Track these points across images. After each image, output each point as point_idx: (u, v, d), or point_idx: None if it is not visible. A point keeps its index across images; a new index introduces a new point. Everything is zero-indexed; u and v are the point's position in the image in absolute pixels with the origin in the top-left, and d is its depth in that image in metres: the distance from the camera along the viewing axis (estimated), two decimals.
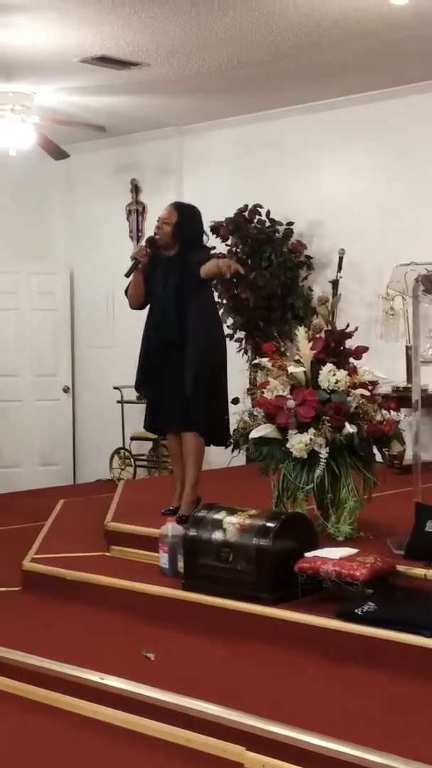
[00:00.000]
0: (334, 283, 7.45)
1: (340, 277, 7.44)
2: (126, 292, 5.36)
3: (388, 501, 5.17)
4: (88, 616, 4.41)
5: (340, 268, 7.44)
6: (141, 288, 5.26)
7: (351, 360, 4.84)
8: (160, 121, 8.35)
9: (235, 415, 4.95)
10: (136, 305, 5.34)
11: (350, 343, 4.87)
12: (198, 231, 5.26)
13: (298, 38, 6.17)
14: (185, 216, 5.19)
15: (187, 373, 5.03)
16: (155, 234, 5.23)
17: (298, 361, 4.78)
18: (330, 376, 4.66)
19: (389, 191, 7.51)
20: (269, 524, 4.15)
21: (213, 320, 5.37)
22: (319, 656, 3.70)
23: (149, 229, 8.37)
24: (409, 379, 6.42)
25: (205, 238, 5.33)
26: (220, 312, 6.49)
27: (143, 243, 5.14)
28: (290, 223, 7.79)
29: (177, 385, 5.10)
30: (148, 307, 5.31)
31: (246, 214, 7.78)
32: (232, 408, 5.29)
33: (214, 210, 7.53)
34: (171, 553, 4.53)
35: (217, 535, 4.26)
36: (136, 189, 9.00)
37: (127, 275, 5.26)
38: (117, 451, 8.73)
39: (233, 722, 3.22)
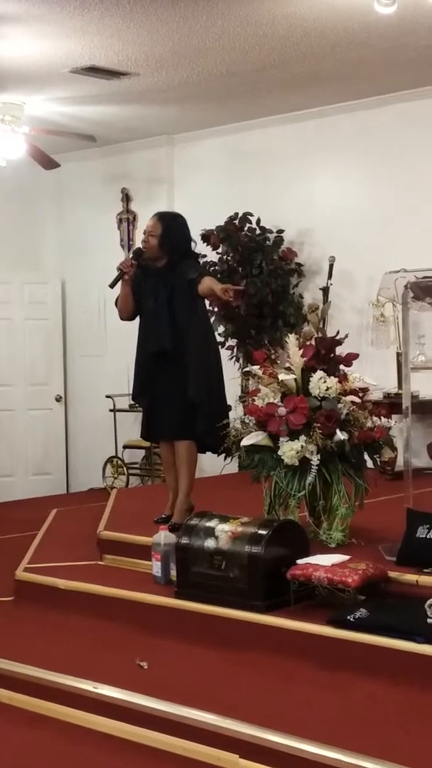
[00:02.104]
0: (325, 291, 7.48)
1: (331, 284, 7.47)
2: (116, 303, 5.37)
3: (379, 507, 5.18)
4: (81, 625, 4.40)
5: (330, 276, 7.47)
6: (129, 299, 5.26)
7: (341, 367, 4.85)
8: (150, 131, 8.38)
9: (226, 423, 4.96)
10: (126, 317, 5.34)
11: (341, 350, 4.88)
12: (185, 239, 5.24)
13: (286, 47, 6.20)
14: (170, 226, 5.18)
15: (189, 381, 5.04)
16: (143, 246, 5.24)
17: (288, 369, 4.79)
18: (321, 383, 4.67)
19: (379, 199, 7.54)
20: (261, 532, 4.16)
21: (208, 330, 5.40)
22: (312, 663, 3.71)
23: (140, 238, 8.40)
24: (400, 385, 6.44)
25: (192, 244, 5.34)
26: (212, 320, 6.51)
27: (129, 255, 5.14)
28: (280, 231, 7.82)
29: (170, 395, 5.12)
30: (139, 319, 5.33)
31: (236, 222, 7.81)
32: None
33: (204, 218, 7.57)
34: (164, 562, 4.53)
35: (210, 543, 4.26)
36: (126, 198, 9.03)
37: (111, 286, 5.25)
38: (110, 460, 8.74)
39: (226, 730, 3.22)
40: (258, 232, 7.80)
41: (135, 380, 5.35)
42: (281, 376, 4.74)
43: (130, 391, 5.59)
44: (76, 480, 9.41)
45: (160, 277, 5.15)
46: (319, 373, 4.71)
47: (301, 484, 4.55)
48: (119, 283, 5.22)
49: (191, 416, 5.11)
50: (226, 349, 7.65)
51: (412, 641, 3.57)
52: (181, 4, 5.45)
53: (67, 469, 9.49)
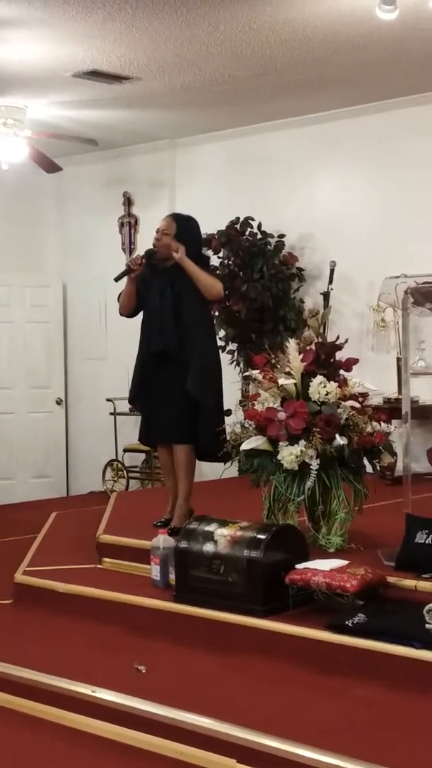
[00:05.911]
0: (326, 295, 7.48)
1: (331, 289, 7.48)
2: (119, 298, 5.38)
3: (378, 512, 5.18)
4: (79, 629, 4.40)
5: (331, 280, 7.48)
6: (132, 297, 5.27)
7: (341, 372, 4.85)
8: (152, 135, 8.39)
9: (227, 427, 4.96)
10: (126, 313, 5.36)
11: (341, 355, 4.89)
12: (196, 242, 5.30)
13: (288, 52, 6.21)
14: (183, 227, 5.23)
15: (189, 375, 5.04)
16: (154, 246, 5.24)
17: (288, 373, 4.79)
18: (320, 388, 4.67)
19: (380, 204, 7.55)
20: (260, 536, 4.16)
21: (212, 334, 5.40)
22: (310, 668, 3.71)
23: (141, 242, 8.42)
24: (400, 390, 6.43)
25: (203, 249, 5.36)
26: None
27: (140, 253, 5.15)
28: (282, 236, 7.83)
29: (170, 398, 5.12)
30: (142, 318, 5.33)
31: (238, 226, 7.82)
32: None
33: (205, 222, 7.48)
34: (162, 565, 4.53)
35: (209, 547, 4.26)
36: (128, 202, 9.04)
37: (116, 280, 5.26)
38: (110, 463, 8.74)
39: (224, 734, 3.22)
40: (259, 236, 7.81)
41: (132, 383, 5.34)
42: (281, 381, 4.74)
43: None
44: (76, 483, 9.41)
45: (169, 276, 5.16)
46: (319, 378, 4.71)
47: (301, 489, 4.56)
48: (124, 278, 5.23)
49: (190, 420, 5.11)
50: (227, 353, 7.65)
51: (410, 647, 3.57)
52: (184, 9, 5.46)
53: (67, 472, 9.49)
